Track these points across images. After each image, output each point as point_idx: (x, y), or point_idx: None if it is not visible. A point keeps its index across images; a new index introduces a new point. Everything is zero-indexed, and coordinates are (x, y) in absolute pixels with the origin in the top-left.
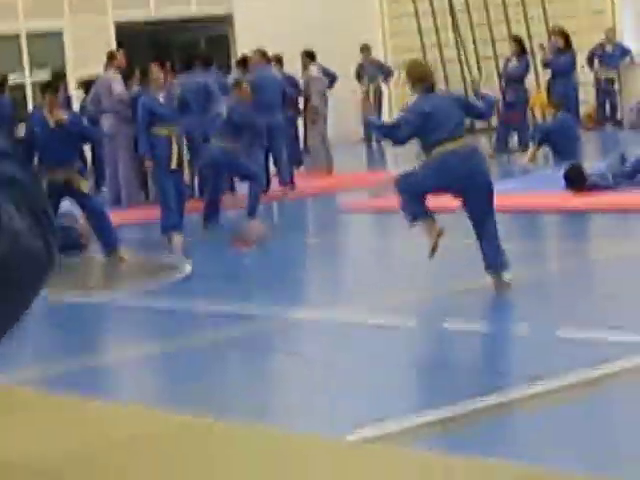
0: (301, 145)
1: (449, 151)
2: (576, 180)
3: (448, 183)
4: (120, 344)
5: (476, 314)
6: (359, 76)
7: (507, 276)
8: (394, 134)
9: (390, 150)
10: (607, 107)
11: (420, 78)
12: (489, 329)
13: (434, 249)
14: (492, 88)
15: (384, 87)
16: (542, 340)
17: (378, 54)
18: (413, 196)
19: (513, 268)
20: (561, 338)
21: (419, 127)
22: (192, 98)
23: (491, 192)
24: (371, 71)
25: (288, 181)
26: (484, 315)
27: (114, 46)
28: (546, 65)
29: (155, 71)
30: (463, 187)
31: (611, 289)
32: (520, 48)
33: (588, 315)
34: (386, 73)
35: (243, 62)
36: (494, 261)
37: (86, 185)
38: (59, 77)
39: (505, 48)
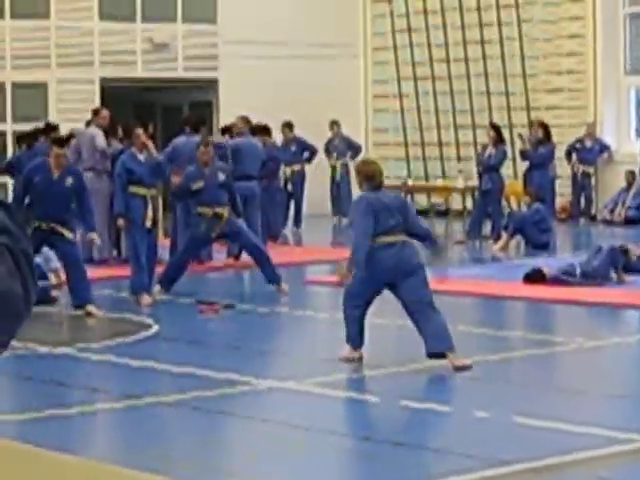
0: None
1: (382, 244)
2: (535, 281)
3: (380, 276)
4: (82, 399)
5: (431, 395)
6: (328, 151)
7: (458, 359)
8: (363, 248)
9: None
10: (582, 201)
11: (368, 177)
12: (444, 409)
13: (345, 360)
14: (470, 174)
15: (351, 164)
16: (498, 425)
17: (359, 130)
18: (353, 315)
19: (472, 353)
20: (517, 424)
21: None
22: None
23: (424, 277)
24: (340, 147)
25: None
26: (439, 396)
27: (98, 102)
28: (524, 156)
29: (139, 133)
30: (394, 277)
31: (568, 380)
32: (498, 136)
33: (543, 404)
34: (355, 150)
35: (227, 130)
36: (440, 344)
37: (70, 234)
38: (54, 128)
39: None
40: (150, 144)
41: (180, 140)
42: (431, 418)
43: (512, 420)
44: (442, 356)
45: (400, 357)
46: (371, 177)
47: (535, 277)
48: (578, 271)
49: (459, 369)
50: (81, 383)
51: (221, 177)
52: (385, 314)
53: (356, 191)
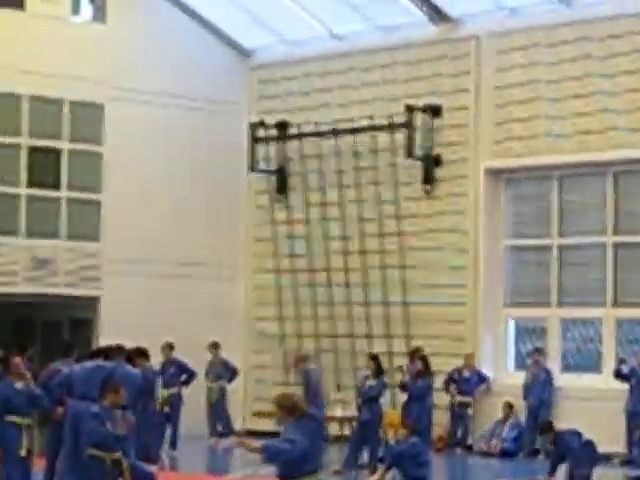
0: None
1: None
2: None
3: None
4: None
5: None
6: (207, 374)
7: None
8: (287, 451)
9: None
10: (459, 431)
11: (292, 410)
12: None
13: None
14: (349, 404)
15: (228, 387)
16: None
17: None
18: None
19: None
20: None
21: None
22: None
23: None
24: (217, 370)
25: None
26: None
27: None
28: (403, 388)
29: (16, 362)
30: None
31: None
32: (378, 367)
33: None
34: (231, 373)
35: (99, 352)
36: None
37: None
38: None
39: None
40: (27, 374)
41: (74, 368)
42: None
43: None
44: None
45: None
46: (294, 409)
47: None
48: None
49: None
50: None
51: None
52: None
53: (232, 412)
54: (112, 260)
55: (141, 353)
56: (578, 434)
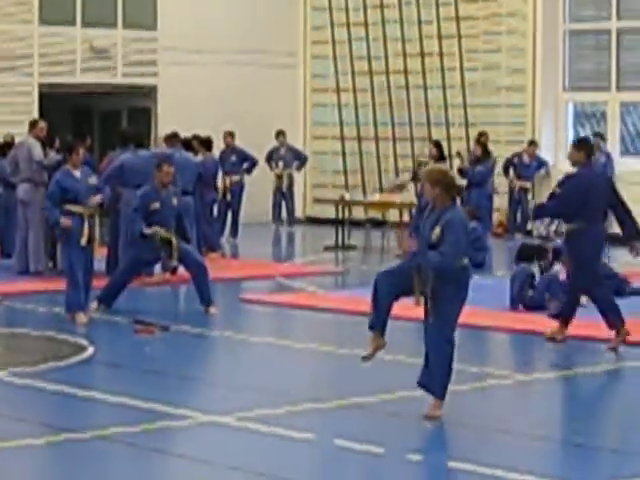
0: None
1: None
2: None
3: None
4: (6, 430)
5: (365, 434)
6: (270, 160)
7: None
8: None
9: (298, 236)
10: (518, 216)
11: (449, 186)
12: (379, 451)
13: (366, 358)
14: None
15: (296, 174)
16: (431, 469)
17: (299, 140)
18: (378, 301)
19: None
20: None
21: None
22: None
23: None
24: (287, 157)
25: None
26: (373, 437)
27: (36, 109)
28: (463, 174)
29: (78, 150)
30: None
31: (503, 420)
32: (439, 154)
33: (478, 447)
34: (302, 160)
35: (172, 137)
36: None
37: None
38: None
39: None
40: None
41: (127, 157)
42: (362, 460)
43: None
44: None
45: (342, 390)
46: (452, 186)
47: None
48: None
49: (428, 418)
50: (7, 413)
51: (174, 201)
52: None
53: (298, 200)
54: (169, 48)
55: (203, 142)
56: None
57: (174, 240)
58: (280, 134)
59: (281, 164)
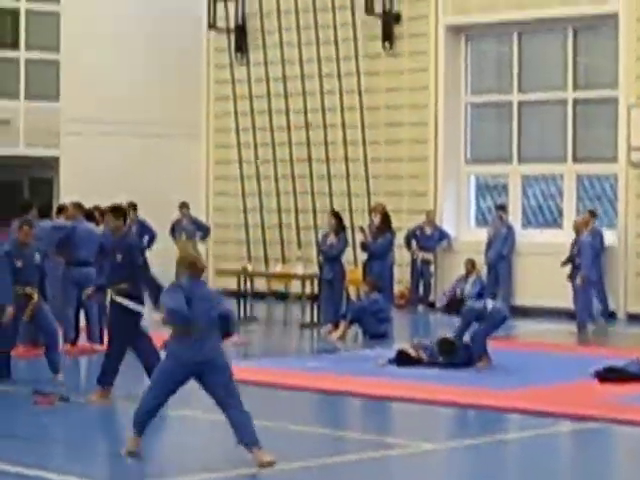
0: None
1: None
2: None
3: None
4: None
5: None
6: (173, 231)
7: (266, 456)
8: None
9: None
10: (421, 288)
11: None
12: None
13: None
14: (309, 261)
15: (199, 246)
16: None
17: (200, 214)
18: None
19: (303, 455)
20: None
21: None
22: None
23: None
24: (190, 228)
25: (97, 337)
26: None
27: None
28: (365, 248)
29: None
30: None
31: None
32: (339, 224)
33: None
34: (204, 232)
35: (58, 210)
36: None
37: None
38: None
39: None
40: None
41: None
42: None
43: None
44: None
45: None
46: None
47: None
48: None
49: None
50: None
51: (37, 258)
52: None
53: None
54: (72, 120)
55: (103, 213)
56: None
57: (35, 295)
58: (184, 206)
59: (184, 236)
